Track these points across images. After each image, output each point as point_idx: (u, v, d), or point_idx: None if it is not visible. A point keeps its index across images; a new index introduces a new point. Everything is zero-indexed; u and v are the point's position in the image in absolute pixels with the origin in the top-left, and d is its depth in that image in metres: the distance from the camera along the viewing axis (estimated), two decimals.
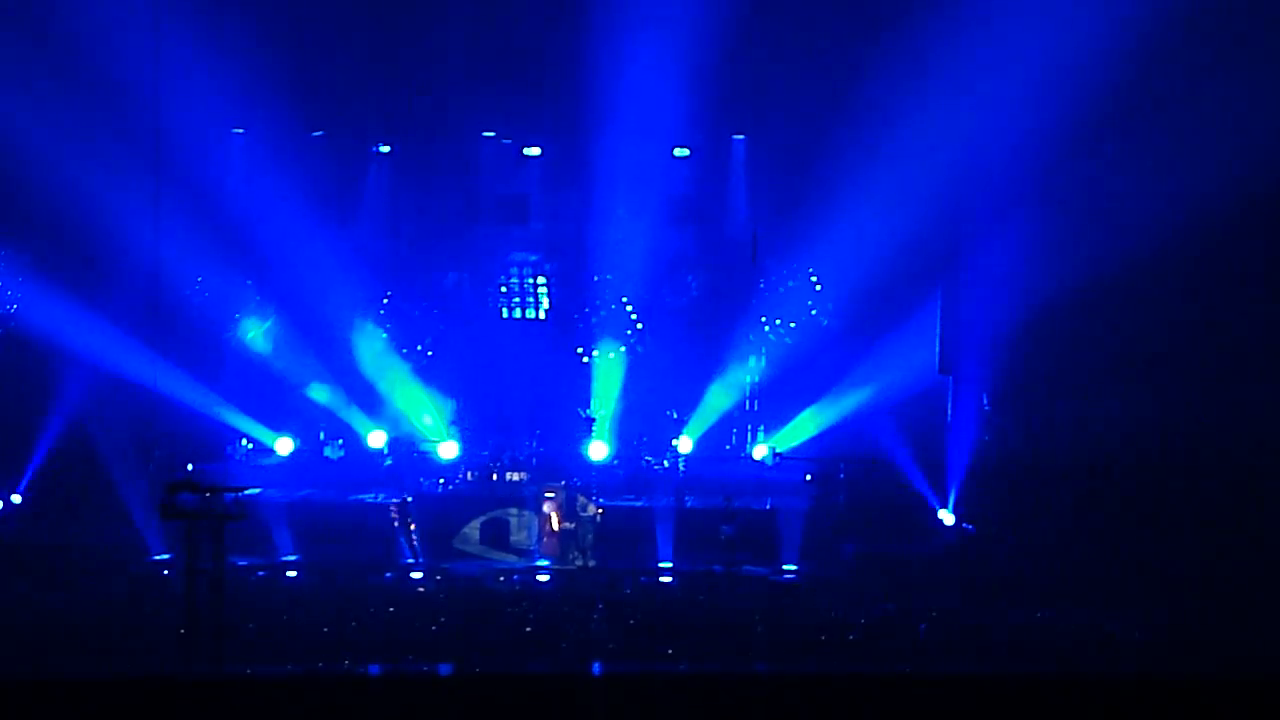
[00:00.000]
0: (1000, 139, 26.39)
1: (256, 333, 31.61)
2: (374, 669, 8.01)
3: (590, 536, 25.84)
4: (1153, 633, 19.23)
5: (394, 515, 26.16)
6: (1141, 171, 25.42)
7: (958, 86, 26.82)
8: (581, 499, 26.26)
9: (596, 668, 9.25)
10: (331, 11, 30.03)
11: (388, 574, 24.02)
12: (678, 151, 31.49)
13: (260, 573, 23.55)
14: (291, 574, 23.52)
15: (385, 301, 32.27)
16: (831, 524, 26.90)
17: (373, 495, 28.09)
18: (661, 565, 25.46)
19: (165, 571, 22.99)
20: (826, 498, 28.02)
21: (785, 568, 25.26)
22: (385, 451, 30.36)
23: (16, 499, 27.18)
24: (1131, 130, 25.71)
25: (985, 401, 27.92)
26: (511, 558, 26.14)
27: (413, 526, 25.94)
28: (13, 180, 27.02)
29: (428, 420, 31.35)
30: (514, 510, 26.74)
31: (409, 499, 26.65)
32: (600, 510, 26.26)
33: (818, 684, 7.81)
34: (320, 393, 31.33)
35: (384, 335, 32.12)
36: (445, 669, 8.20)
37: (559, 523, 25.95)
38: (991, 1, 25.90)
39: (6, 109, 26.38)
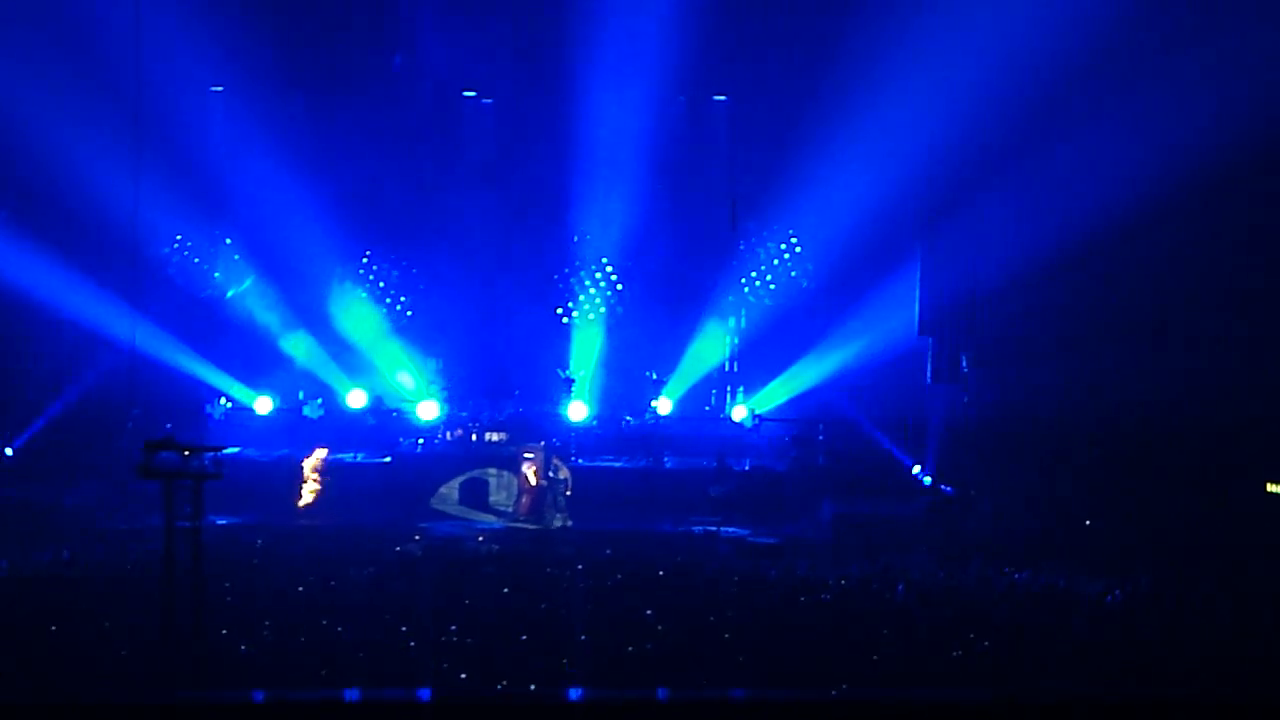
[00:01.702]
0: (980, 103, 26.39)
1: (235, 291, 31.53)
2: (351, 694, 7.91)
3: (561, 498, 25.92)
4: (1130, 594, 19.33)
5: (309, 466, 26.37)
6: (1122, 135, 25.45)
7: (938, 51, 26.80)
8: (555, 460, 26.33)
9: (575, 694, 9.19)
10: None
11: (368, 534, 24.01)
12: (659, 112, 31.38)
13: (239, 533, 23.53)
14: (270, 534, 23.49)
15: (365, 261, 32.21)
16: (810, 485, 27.00)
17: (352, 455, 28.13)
18: (640, 526, 25.50)
19: (143, 531, 22.93)
20: (805, 459, 28.13)
21: (764, 529, 25.33)
22: (367, 410, 30.38)
23: (9, 451, 27.20)
24: (1111, 93, 25.73)
25: (964, 363, 28.00)
26: (490, 518, 26.21)
27: (315, 478, 26.12)
28: None
29: (406, 380, 31.35)
30: (493, 471, 26.82)
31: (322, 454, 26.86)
32: (568, 472, 26.35)
33: (804, 710, 7.76)
34: (296, 345, 31.28)
35: (363, 294, 32.08)
36: (424, 694, 8.15)
37: (537, 483, 26.00)
38: None
39: None
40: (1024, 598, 19.49)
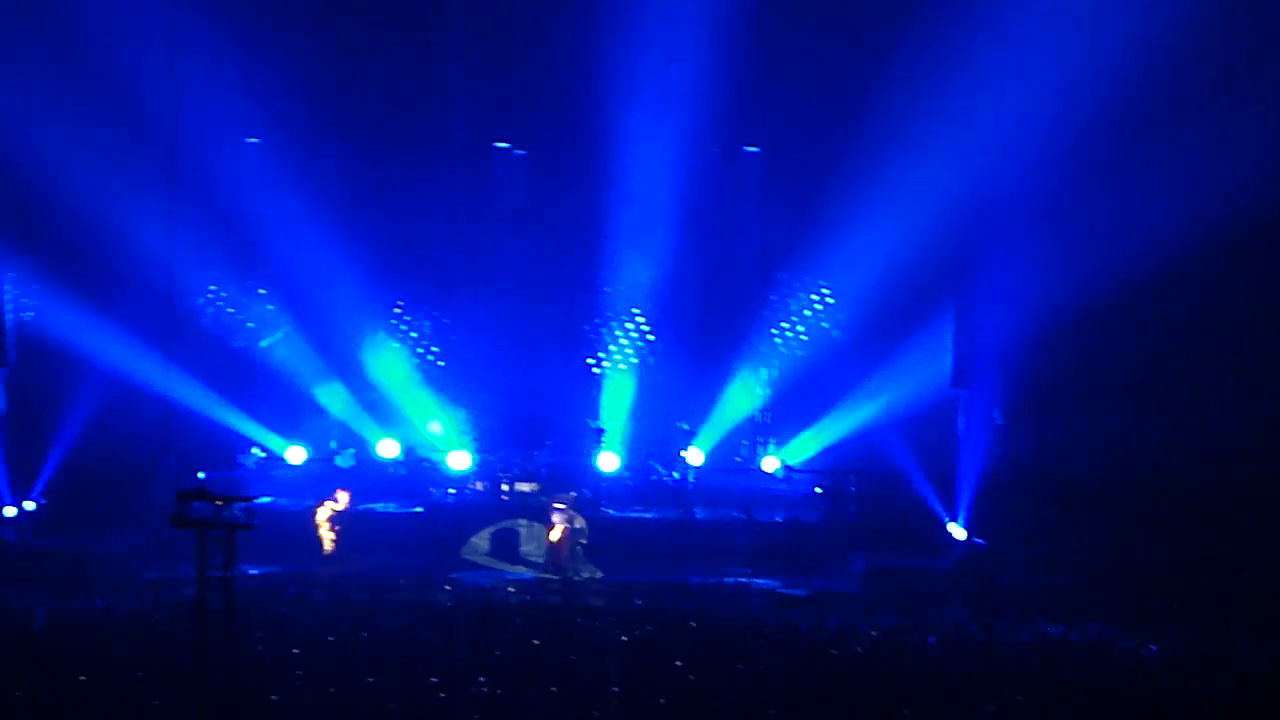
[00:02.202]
0: (1013, 155, 26.43)
1: (269, 341, 31.66)
2: None
3: (579, 549, 25.91)
4: (1165, 648, 19.19)
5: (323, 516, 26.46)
6: (1155, 187, 25.45)
7: (970, 102, 26.86)
8: (571, 511, 26.32)
9: None
10: (345, 21, 30.08)
11: (399, 584, 24.02)
12: (691, 163, 31.44)
13: (270, 582, 23.56)
14: (302, 584, 23.51)
15: (397, 311, 32.30)
16: (842, 537, 26.90)
17: (383, 505, 28.15)
18: (670, 577, 25.43)
19: (175, 580, 22.99)
20: (837, 511, 28.03)
21: (795, 581, 25.24)
22: (400, 460, 30.41)
23: (30, 505, 27.31)
24: (1144, 146, 25.72)
25: (997, 415, 27.92)
26: (520, 569, 26.19)
27: (330, 528, 26.23)
28: (30, 188, 27.14)
29: (438, 429, 31.37)
30: (523, 521, 26.80)
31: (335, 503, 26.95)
32: (584, 522, 26.36)
33: None
34: (329, 395, 31.36)
35: (395, 344, 32.15)
36: None
37: (565, 533, 26.01)
38: (1004, 21, 25.98)
39: (25, 117, 26.55)
40: (1057, 652, 19.35)
